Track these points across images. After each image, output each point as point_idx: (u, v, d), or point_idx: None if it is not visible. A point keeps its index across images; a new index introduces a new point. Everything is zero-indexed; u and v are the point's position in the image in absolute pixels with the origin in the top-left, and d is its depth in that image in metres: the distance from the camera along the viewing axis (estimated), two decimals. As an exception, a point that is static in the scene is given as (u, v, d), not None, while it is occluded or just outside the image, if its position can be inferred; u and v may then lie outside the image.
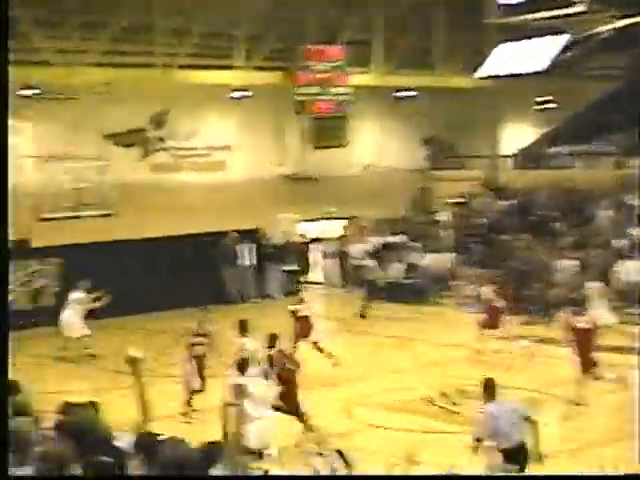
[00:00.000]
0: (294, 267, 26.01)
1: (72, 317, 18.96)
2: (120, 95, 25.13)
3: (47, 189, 23.19)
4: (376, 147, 32.35)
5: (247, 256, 25.52)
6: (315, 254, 28.01)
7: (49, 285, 22.61)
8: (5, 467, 5.54)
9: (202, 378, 14.19)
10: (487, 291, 18.03)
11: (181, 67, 25.65)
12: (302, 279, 25.66)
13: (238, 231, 25.35)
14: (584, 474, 10.45)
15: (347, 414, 14.11)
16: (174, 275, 24.54)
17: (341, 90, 28.62)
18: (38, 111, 24.38)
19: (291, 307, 17.65)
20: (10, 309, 21.22)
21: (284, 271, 26.03)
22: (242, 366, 11.68)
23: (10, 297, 22.67)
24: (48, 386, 14.85)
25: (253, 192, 27.89)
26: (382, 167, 31.51)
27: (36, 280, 23.63)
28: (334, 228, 29.17)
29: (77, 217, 23.45)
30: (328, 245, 28.13)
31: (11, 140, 22.72)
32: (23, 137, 24.43)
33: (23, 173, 23.95)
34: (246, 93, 27.34)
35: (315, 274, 27.52)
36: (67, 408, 7.54)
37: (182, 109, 27.35)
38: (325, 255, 28.11)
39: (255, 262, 25.58)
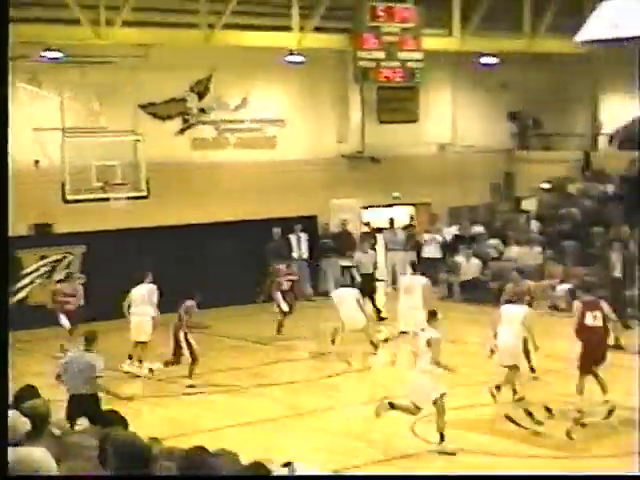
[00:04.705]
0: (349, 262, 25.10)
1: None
2: (157, 60, 23.91)
3: (73, 167, 22.09)
4: (451, 123, 30.34)
5: (300, 248, 25.52)
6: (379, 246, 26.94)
7: (74, 277, 21.67)
8: (5, 467, 5.83)
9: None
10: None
11: (227, 27, 23.99)
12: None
13: (289, 219, 25.12)
14: (584, 474, 11.12)
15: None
16: (213, 269, 23.70)
17: (412, 56, 26.38)
18: (63, 77, 23.22)
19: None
20: (26, 305, 22.38)
21: (343, 267, 25.48)
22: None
23: (26, 291, 23.00)
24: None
25: (308, 174, 26.58)
26: (459, 146, 29.85)
27: (58, 271, 23.23)
28: (399, 216, 28.12)
29: (106, 199, 22.46)
30: (392, 235, 27.22)
31: (31, 111, 20.46)
32: (46, 107, 23.22)
33: (45, 148, 23.00)
34: (302, 58, 25.46)
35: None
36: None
37: (228, 76, 25.93)
38: (388, 247, 27.16)
39: (308, 255, 25.71)
